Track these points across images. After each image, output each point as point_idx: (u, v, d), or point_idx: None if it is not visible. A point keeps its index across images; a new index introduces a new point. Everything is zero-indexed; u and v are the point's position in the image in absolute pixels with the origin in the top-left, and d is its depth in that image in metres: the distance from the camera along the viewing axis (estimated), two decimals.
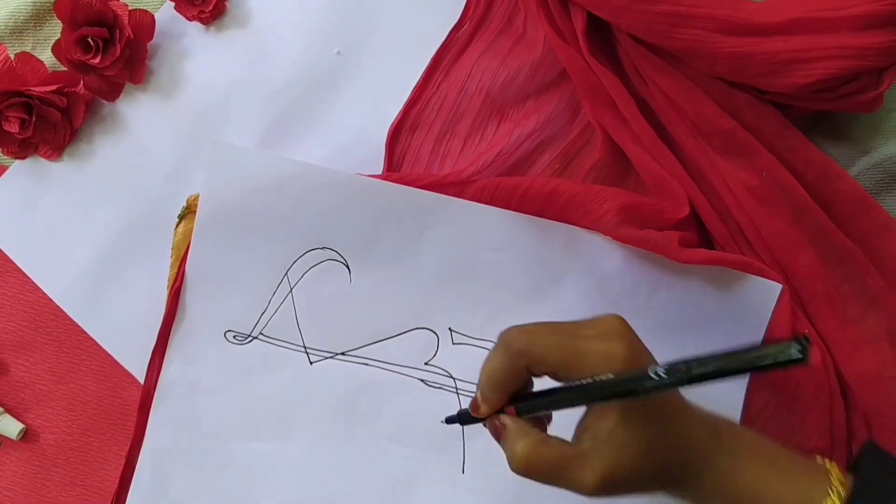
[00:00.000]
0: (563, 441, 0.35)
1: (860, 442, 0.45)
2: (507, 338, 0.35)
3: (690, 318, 0.47)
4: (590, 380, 0.33)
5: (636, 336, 0.35)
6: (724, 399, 0.46)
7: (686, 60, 0.45)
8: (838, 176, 0.46)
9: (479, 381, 0.36)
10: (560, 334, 0.34)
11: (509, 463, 0.35)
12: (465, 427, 0.45)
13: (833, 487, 0.35)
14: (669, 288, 0.47)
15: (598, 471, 0.33)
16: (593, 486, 0.33)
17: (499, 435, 0.36)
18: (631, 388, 0.32)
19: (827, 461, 0.38)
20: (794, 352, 0.26)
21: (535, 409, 0.36)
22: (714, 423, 0.37)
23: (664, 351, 0.46)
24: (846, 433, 0.45)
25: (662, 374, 0.30)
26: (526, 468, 0.34)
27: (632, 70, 0.48)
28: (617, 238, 0.46)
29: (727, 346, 0.45)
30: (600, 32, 0.49)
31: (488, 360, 0.36)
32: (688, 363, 0.30)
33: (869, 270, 0.45)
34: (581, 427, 0.35)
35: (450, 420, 0.40)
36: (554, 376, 0.35)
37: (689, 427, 0.35)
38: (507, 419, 0.36)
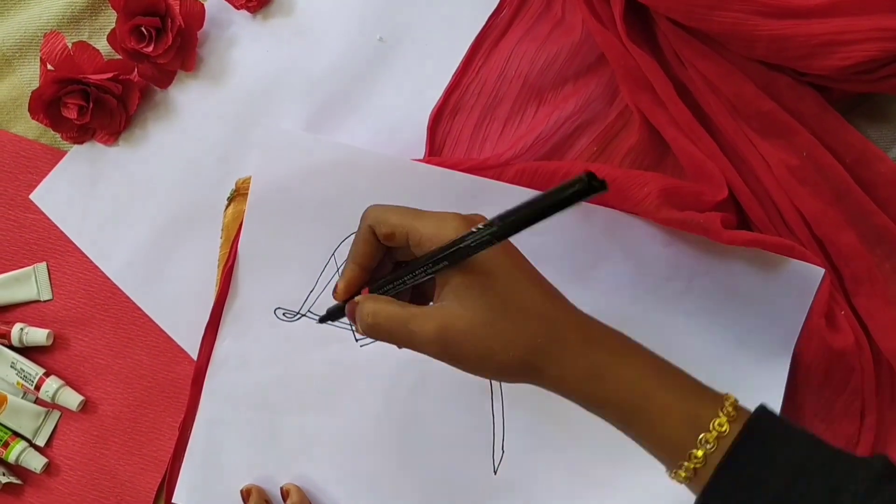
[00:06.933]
0: (410, 304, 0.36)
1: None
2: (364, 211, 0.38)
3: (731, 302, 0.47)
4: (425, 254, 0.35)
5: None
6: (765, 385, 0.46)
7: (725, 43, 0.45)
8: (878, 158, 0.45)
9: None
10: (407, 209, 0.37)
11: (359, 326, 0.37)
12: (504, 411, 0.48)
13: (725, 410, 0.33)
14: (710, 272, 0.47)
15: (438, 321, 0.34)
16: (434, 335, 0.34)
17: (352, 314, 0.38)
18: (455, 247, 0.33)
19: (725, 393, 0.35)
20: (585, 181, 0.28)
21: (384, 286, 0.37)
22: (584, 323, 0.36)
23: (704, 334, 0.47)
24: (876, 417, 0.45)
25: (480, 227, 0.32)
26: (373, 323, 0.36)
27: (670, 53, 0.48)
28: (658, 220, 0.46)
29: (768, 329, 0.46)
30: (638, 16, 0.49)
31: None
32: (501, 217, 0.32)
33: None
34: (433, 300, 0.37)
35: (322, 319, 0.42)
36: (393, 241, 0.36)
37: (557, 318, 0.35)
38: (358, 296, 0.37)
